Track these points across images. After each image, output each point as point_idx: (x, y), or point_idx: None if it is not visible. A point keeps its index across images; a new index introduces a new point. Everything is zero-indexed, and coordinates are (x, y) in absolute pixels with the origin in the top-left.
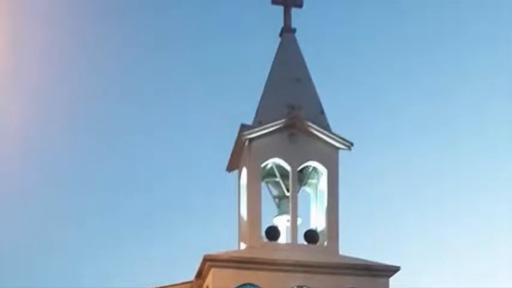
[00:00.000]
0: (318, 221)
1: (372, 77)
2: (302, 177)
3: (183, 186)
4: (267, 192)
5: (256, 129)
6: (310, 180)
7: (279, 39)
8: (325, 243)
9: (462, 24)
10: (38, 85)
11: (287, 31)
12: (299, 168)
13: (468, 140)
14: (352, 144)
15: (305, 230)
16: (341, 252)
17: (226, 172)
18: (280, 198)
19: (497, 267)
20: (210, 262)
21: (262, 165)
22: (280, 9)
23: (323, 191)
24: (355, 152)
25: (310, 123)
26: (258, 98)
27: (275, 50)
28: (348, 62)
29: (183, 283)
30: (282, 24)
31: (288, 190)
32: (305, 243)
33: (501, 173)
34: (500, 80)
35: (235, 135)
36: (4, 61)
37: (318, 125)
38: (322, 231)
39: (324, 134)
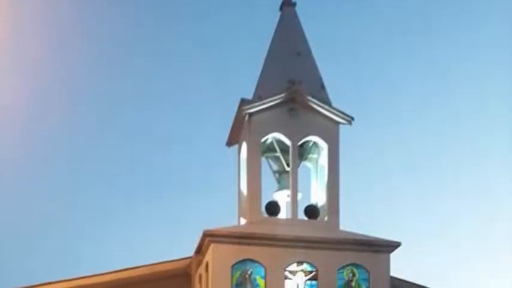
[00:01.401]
0: (318, 196)
1: (372, 51)
2: (302, 152)
3: (182, 161)
4: (267, 167)
5: (256, 103)
6: (310, 155)
7: (279, 13)
8: (326, 219)
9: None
10: (37, 58)
11: (287, 5)
12: (299, 143)
13: (468, 115)
14: (352, 118)
15: (305, 205)
16: (341, 227)
17: (226, 147)
18: (281, 173)
19: (497, 242)
20: (209, 237)
21: (262, 139)
22: None
23: (323, 165)
24: (355, 126)
25: (310, 98)
26: (258, 73)
27: (275, 24)
28: (349, 36)
29: (182, 259)
30: None
31: (288, 165)
32: (305, 218)
33: (501, 147)
34: (501, 56)
35: (235, 109)
36: (3, 35)
37: (319, 100)
38: (322, 207)
39: (325, 109)
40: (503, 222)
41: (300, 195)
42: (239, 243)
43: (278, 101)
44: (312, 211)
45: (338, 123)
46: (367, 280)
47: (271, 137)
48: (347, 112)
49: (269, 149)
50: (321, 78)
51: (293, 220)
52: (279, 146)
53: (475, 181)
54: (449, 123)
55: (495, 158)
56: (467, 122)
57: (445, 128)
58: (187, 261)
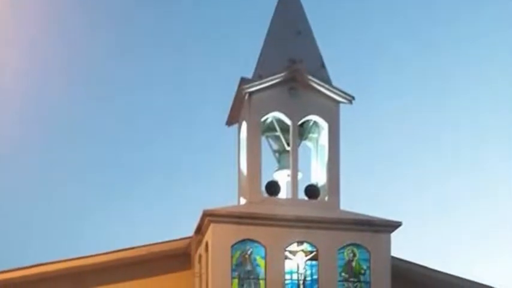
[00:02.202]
0: (318, 176)
1: (372, 30)
2: (303, 131)
3: (182, 140)
4: (267, 147)
5: (256, 82)
6: (310, 135)
7: None
8: (326, 198)
9: None
10: (36, 36)
11: None
12: (299, 122)
13: (469, 93)
14: (353, 97)
15: (305, 184)
16: (342, 207)
17: (226, 126)
18: (281, 153)
19: (498, 222)
20: (209, 217)
21: (262, 119)
22: None
23: (324, 145)
24: (356, 105)
25: (310, 77)
26: (258, 52)
27: (275, 3)
28: (349, 15)
29: (181, 239)
30: None
31: (288, 144)
32: (305, 198)
33: (502, 126)
34: (501, 35)
35: (235, 89)
36: (2, 14)
37: (319, 79)
38: (322, 186)
39: (325, 88)
40: (504, 202)
41: (300, 175)
42: (239, 223)
43: (278, 80)
44: (312, 191)
45: (338, 102)
46: (368, 260)
47: (271, 116)
48: (347, 91)
49: (269, 128)
50: (321, 57)
51: (293, 200)
52: (279, 126)
53: (476, 160)
54: (451, 101)
55: (496, 137)
56: (468, 99)
57: (446, 106)
58: (187, 241)
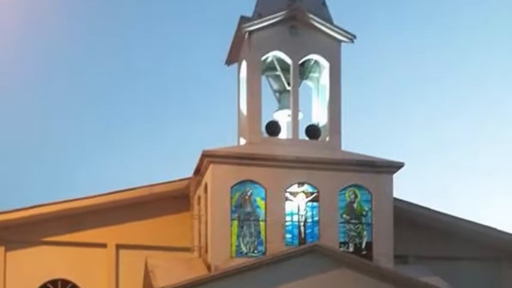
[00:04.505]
0: (319, 116)
1: None
2: (303, 70)
3: (181, 79)
4: (268, 87)
5: (256, 21)
6: (311, 74)
7: None
8: (327, 139)
9: None
10: None
11: None
12: (300, 62)
13: (473, 31)
14: (354, 36)
15: (306, 125)
16: (343, 147)
17: (226, 65)
18: (281, 93)
19: (501, 163)
20: (208, 158)
21: (263, 58)
22: None
23: (325, 85)
24: (357, 44)
25: (311, 15)
26: None
27: None
28: None
29: (180, 180)
30: None
31: (288, 84)
32: (306, 138)
33: (506, 66)
34: None
35: (235, 27)
36: None
37: (320, 17)
38: (324, 126)
39: (326, 27)
40: (505, 140)
41: (300, 115)
42: (239, 164)
43: (278, 18)
44: (313, 131)
45: (340, 41)
46: (370, 201)
47: (271, 55)
48: (349, 30)
49: (269, 67)
50: None
51: (294, 140)
52: (279, 65)
53: (478, 97)
54: (453, 38)
55: (498, 76)
56: (470, 36)
57: (450, 45)
58: (186, 182)
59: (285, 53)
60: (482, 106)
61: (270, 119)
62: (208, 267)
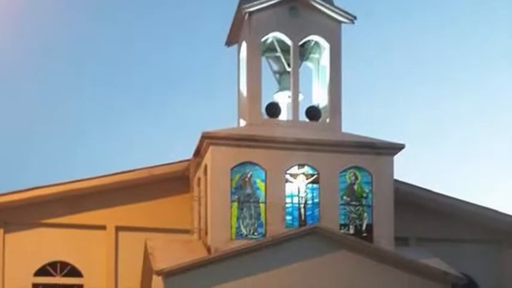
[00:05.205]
0: (320, 97)
1: None
2: (304, 52)
3: (180, 60)
4: (268, 68)
5: (256, 2)
6: (312, 55)
7: None
8: (327, 120)
9: None
10: None
11: None
12: (300, 43)
13: (475, 13)
14: (355, 17)
15: (307, 106)
16: (344, 129)
17: (226, 46)
18: (281, 74)
19: (502, 144)
20: (208, 139)
21: (263, 39)
22: None
23: (325, 66)
24: (358, 25)
25: None
26: None
27: None
28: None
29: (180, 161)
30: None
31: (289, 65)
32: (306, 120)
33: (507, 48)
34: None
35: (235, 8)
36: None
37: None
38: (324, 108)
39: (326, 7)
40: (506, 122)
41: (301, 96)
42: (238, 146)
43: None
44: (313, 112)
45: (340, 22)
46: (370, 183)
47: (271, 36)
48: (349, 11)
49: (269, 48)
50: None
51: (294, 122)
52: (279, 46)
53: (479, 79)
54: (455, 20)
55: (500, 55)
56: (473, 20)
57: (451, 27)
58: (185, 164)
59: (285, 34)
60: (483, 88)
61: (270, 101)
62: (208, 250)
